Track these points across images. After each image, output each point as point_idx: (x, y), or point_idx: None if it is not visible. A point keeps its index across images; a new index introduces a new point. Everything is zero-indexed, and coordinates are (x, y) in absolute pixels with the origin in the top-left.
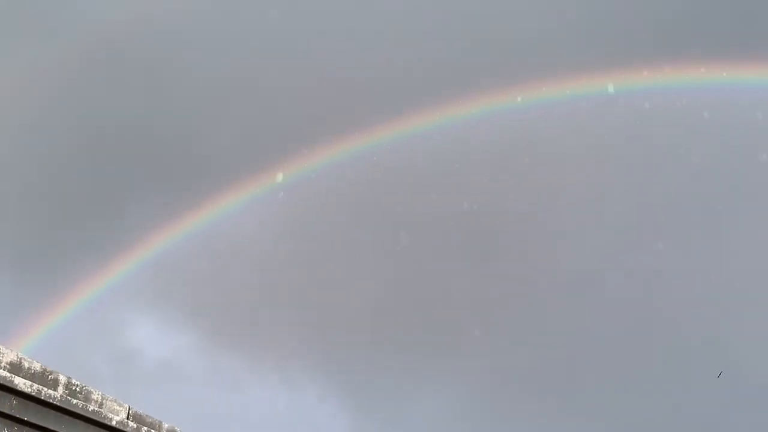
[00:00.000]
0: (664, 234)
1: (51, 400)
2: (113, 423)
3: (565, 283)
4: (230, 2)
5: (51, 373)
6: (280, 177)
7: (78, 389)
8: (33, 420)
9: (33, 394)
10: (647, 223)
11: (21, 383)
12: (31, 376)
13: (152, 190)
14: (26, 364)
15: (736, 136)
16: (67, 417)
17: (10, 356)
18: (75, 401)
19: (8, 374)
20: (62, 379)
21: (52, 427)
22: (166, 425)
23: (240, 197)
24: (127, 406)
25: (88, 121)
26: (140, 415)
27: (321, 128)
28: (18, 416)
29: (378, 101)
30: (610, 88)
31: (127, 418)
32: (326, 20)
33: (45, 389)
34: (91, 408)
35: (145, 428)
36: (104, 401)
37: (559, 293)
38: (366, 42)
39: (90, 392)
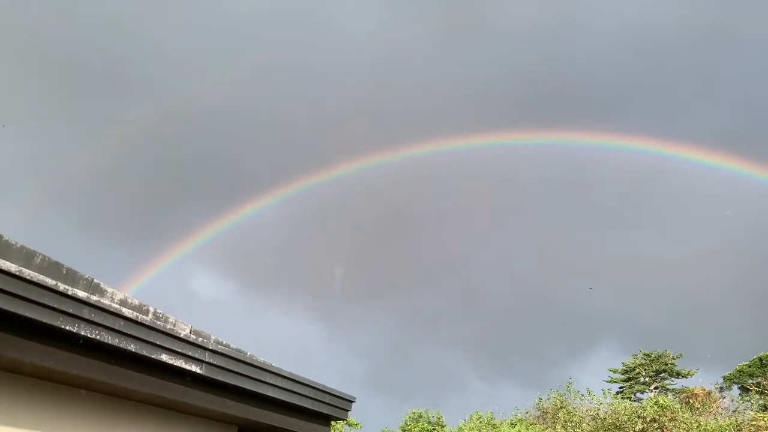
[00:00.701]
0: (493, 230)
1: (144, 322)
2: (182, 335)
3: (439, 258)
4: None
5: (144, 305)
6: (289, 191)
7: (161, 315)
8: (134, 334)
9: (133, 318)
10: (486, 224)
11: (126, 312)
12: (132, 307)
13: (213, 198)
14: (129, 300)
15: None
16: (154, 332)
17: (119, 295)
18: (159, 322)
19: (118, 306)
20: (151, 309)
21: (144, 338)
22: (213, 336)
23: (267, 201)
24: (190, 325)
25: (175, 158)
26: (198, 331)
27: (311, 162)
28: (125, 332)
29: (360, 136)
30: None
31: (190, 333)
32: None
33: (140, 315)
34: (168, 326)
35: (201, 338)
36: (176, 322)
37: (437, 264)
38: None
39: (167, 317)
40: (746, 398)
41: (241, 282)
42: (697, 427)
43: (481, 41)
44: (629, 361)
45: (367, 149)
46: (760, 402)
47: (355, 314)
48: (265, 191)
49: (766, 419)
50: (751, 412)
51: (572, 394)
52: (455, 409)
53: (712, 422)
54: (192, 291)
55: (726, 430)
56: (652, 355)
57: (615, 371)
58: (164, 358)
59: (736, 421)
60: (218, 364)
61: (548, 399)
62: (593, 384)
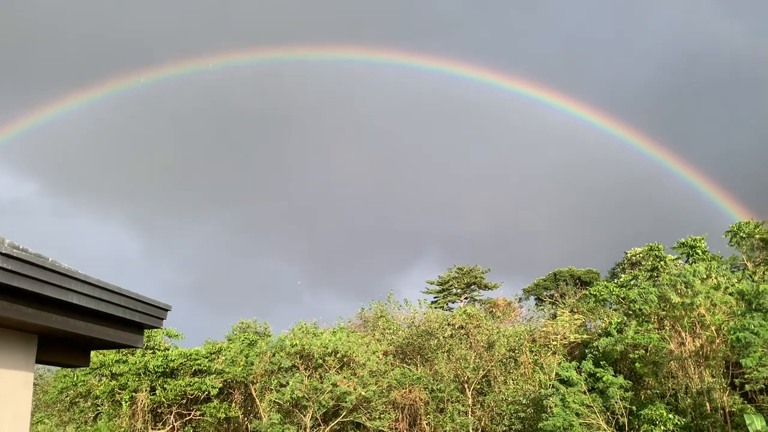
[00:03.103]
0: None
1: None
2: None
3: (270, 170)
4: None
5: None
6: (111, 89)
7: None
8: None
9: None
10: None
11: None
12: None
13: (17, 92)
14: None
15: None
16: None
17: None
18: None
19: None
20: None
21: None
22: (8, 240)
23: (83, 99)
24: None
25: None
26: None
27: (137, 60)
28: None
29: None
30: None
31: None
32: None
33: None
34: None
35: None
36: None
37: (267, 175)
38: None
39: None
40: (540, 308)
41: (48, 183)
42: (497, 332)
43: None
44: (444, 274)
45: (196, 52)
46: (552, 311)
47: (177, 225)
48: (81, 88)
49: (553, 325)
50: (543, 320)
51: (392, 304)
52: (284, 319)
53: (510, 328)
54: None
55: (520, 335)
56: (465, 269)
57: (432, 283)
58: None
59: (530, 327)
60: (13, 269)
61: (370, 309)
62: (413, 295)
